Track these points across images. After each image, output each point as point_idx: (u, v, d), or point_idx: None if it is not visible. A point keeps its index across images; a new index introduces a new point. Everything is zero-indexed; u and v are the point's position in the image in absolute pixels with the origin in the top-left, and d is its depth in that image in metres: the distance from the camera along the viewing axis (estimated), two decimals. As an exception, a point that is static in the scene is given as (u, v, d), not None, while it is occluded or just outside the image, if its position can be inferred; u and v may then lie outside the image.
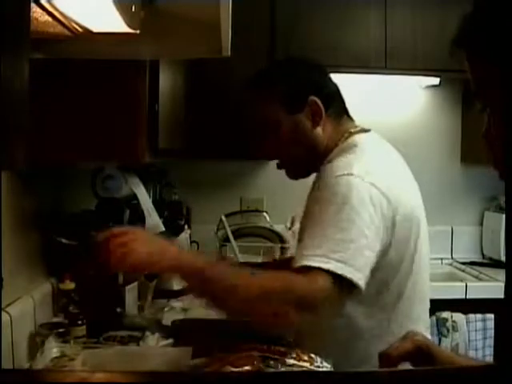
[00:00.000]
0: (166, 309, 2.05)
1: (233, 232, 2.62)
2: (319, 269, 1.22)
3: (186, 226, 2.50)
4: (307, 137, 1.49)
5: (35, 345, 1.58)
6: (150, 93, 1.62)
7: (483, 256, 3.05)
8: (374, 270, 1.30)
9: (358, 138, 1.48)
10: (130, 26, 1.02)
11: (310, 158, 1.52)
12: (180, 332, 1.73)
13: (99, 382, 0.62)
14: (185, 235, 2.45)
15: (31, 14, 0.86)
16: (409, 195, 1.45)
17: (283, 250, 2.67)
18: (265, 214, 2.90)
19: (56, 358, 1.50)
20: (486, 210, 3.03)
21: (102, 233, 1.23)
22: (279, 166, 1.58)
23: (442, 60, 2.41)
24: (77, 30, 1.08)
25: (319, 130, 1.49)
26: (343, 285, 1.24)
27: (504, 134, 0.70)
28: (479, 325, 2.51)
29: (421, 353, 0.96)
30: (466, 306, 2.52)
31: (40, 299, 1.76)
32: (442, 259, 3.02)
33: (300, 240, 1.39)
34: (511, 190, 0.65)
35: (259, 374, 0.97)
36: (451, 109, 3.04)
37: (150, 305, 2.06)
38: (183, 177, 2.78)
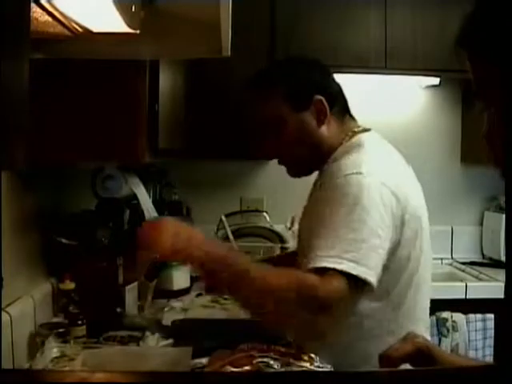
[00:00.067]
0: (166, 309, 2.06)
1: (233, 232, 2.62)
2: (333, 269, 1.23)
3: (185, 226, 2.50)
4: (312, 135, 1.49)
5: (35, 345, 1.58)
6: (150, 93, 1.62)
7: (483, 256, 3.05)
8: (384, 269, 1.30)
9: (362, 137, 1.48)
10: (130, 26, 1.02)
11: (313, 157, 1.52)
12: (180, 332, 1.73)
13: (99, 382, 0.62)
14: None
15: (31, 13, 0.86)
16: (413, 195, 1.45)
17: (283, 249, 2.66)
18: (265, 213, 2.89)
19: (56, 358, 1.51)
20: (486, 210, 3.03)
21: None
22: (280, 162, 1.58)
23: (442, 60, 2.42)
24: (77, 29, 1.08)
25: (324, 128, 1.49)
26: (357, 285, 1.25)
27: (504, 133, 0.70)
28: (479, 325, 2.51)
29: (421, 354, 0.95)
30: (466, 305, 2.52)
31: (40, 299, 1.76)
32: (442, 259, 3.01)
33: (304, 239, 1.39)
34: (511, 189, 0.65)
35: (259, 374, 0.97)
36: (451, 109, 3.04)
37: (150, 305, 2.06)
38: (183, 177, 2.78)
